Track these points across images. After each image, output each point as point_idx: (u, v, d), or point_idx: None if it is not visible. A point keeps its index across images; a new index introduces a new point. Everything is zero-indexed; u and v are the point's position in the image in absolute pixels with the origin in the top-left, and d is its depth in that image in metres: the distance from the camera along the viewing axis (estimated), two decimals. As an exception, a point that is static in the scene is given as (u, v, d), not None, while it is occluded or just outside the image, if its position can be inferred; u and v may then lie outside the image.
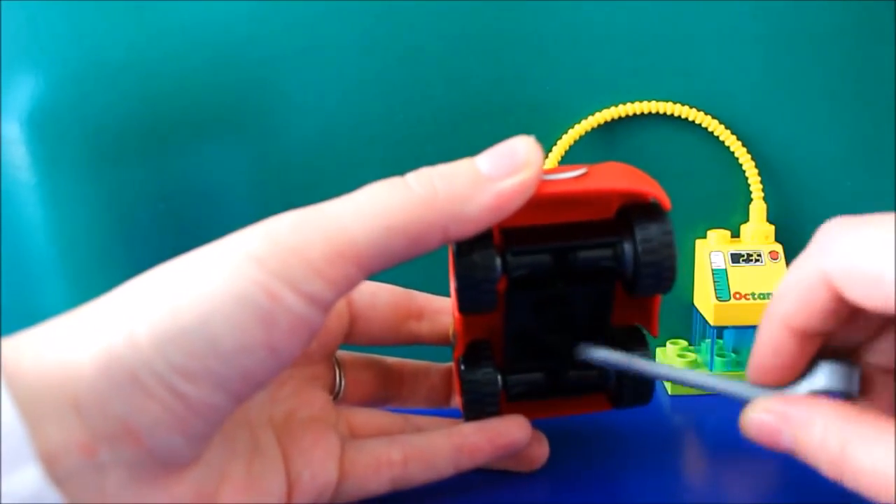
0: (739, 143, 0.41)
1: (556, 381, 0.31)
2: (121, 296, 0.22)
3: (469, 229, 0.24)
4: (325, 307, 0.22)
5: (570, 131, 0.41)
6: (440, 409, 0.35)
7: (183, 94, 0.40)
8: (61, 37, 0.39)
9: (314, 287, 0.22)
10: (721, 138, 0.41)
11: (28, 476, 0.19)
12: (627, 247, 0.27)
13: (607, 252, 0.28)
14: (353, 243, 0.22)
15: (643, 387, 0.31)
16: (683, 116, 0.41)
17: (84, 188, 0.41)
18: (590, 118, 0.41)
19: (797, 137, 0.41)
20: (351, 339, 0.32)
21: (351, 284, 0.23)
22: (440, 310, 0.33)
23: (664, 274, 0.27)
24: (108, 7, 0.39)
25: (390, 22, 0.40)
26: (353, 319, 0.32)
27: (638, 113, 0.41)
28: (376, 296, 0.32)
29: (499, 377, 0.30)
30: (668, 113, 0.41)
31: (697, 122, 0.41)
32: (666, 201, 0.27)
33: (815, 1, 0.40)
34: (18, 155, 0.40)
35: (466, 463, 0.30)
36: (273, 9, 0.40)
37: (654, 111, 0.41)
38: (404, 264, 0.33)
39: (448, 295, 0.32)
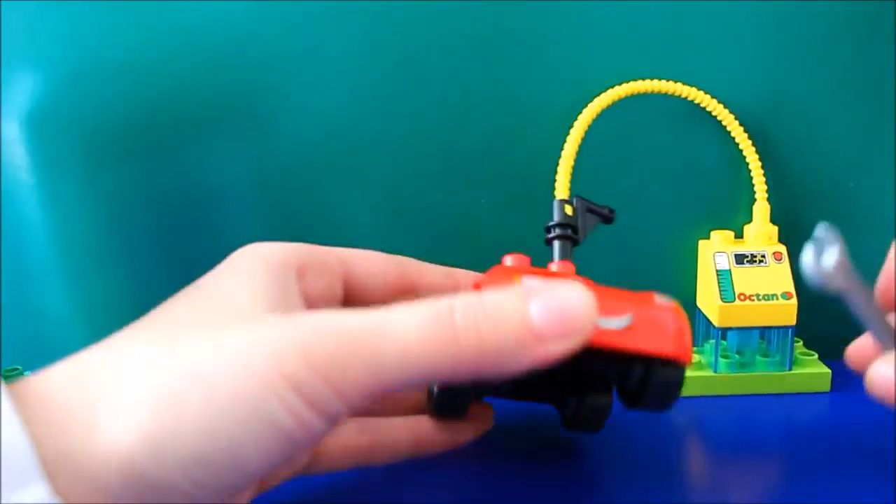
0: (749, 141, 0.40)
1: (525, 393, 0.33)
2: (144, 379, 0.22)
3: (502, 377, 0.24)
4: (340, 422, 0.23)
5: (578, 122, 0.39)
6: None
7: (182, 95, 0.40)
8: (60, 37, 0.39)
9: (339, 412, 0.22)
10: (733, 134, 0.40)
11: (34, 493, 0.19)
12: (637, 373, 0.28)
13: (615, 371, 0.29)
14: (387, 379, 0.22)
15: (596, 417, 0.31)
16: (696, 101, 0.40)
17: (83, 188, 0.40)
18: (593, 104, 0.39)
19: (800, 138, 0.41)
20: None
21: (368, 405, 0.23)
22: (429, 286, 0.33)
23: (665, 406, 0.28)
24: (107, 7, 0.39)
25: (391, 22, 0.40)
26: (344, 304, 0.31)
27: (646, 91, 0.39)
28: (372, 278, 0.31)
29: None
30: (680, 94, 0.39)
31: (708, 109, 0.39)
32: (689, 359, 0.27)
33: (821, 1, 0.39)
34: (17, 155, 0.40)
35: (423, 454, 0.32)
36: (272, 9, 0.39)
37: (664, 91, 0.39)
38: (400, 245, 0.33)
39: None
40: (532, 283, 0.26)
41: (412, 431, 0.31)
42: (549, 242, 0.34)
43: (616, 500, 0.31)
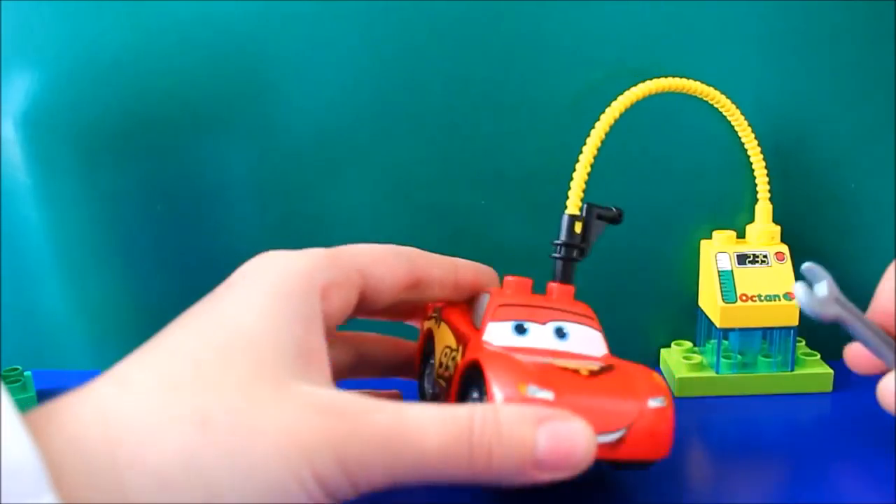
0: (756, 142, 0.40)
1: None
2: (177, 453, 0.22)
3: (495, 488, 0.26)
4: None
5: (590, 139, 0.37)
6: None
7: (180, 93, 0.40)
8: (56, 35, 0.39)
9: (349, 497, 0.24)
10: (739, 135, 0.40)
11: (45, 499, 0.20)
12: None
13: None
14: (399, 479, 0.24)
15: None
16: (712, 101, 0.39)
17: (80, 188, 0.40)
18: (605, 115, 0.37)
19: (803, 138, 0.41)
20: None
21: None
22: (434, 281, 0.32)
23: (643, 469, 0.30)
24: (104, 6, 0.39)
25: (389, 20, 0.40)
26: (355, 310, 0.31)
27: (660, 91, 0.38)
28: (385, 282, 0.31)
29: None
30: (696, 93, 0.38)
31: (722, 110, 0.39)
32: (667, 455, 0.29)
33: (823, 3, 0.39)
34: (14, 155, 0.40)
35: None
36: (271, 7, 0.39)
37: (680, 89, 0.38)
38: (399, 244, 0.32)
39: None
40: (539, 394, 0.27)
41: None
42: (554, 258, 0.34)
43: (617, 499, 0.31)
